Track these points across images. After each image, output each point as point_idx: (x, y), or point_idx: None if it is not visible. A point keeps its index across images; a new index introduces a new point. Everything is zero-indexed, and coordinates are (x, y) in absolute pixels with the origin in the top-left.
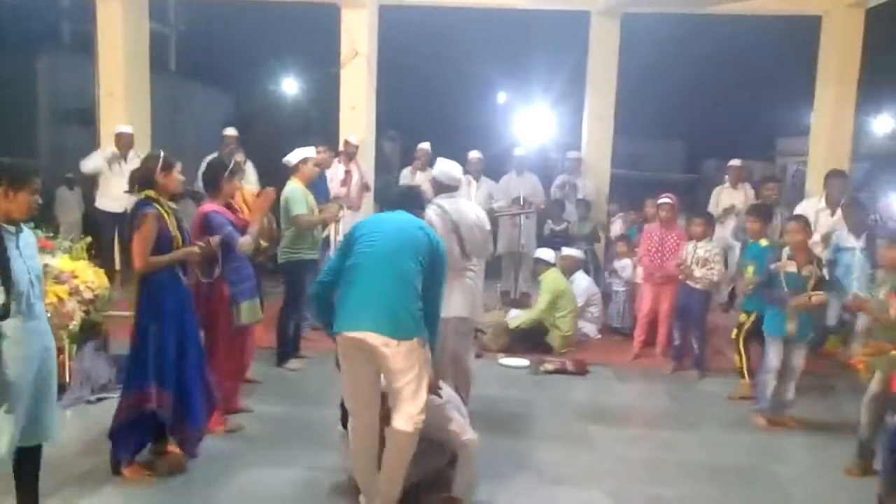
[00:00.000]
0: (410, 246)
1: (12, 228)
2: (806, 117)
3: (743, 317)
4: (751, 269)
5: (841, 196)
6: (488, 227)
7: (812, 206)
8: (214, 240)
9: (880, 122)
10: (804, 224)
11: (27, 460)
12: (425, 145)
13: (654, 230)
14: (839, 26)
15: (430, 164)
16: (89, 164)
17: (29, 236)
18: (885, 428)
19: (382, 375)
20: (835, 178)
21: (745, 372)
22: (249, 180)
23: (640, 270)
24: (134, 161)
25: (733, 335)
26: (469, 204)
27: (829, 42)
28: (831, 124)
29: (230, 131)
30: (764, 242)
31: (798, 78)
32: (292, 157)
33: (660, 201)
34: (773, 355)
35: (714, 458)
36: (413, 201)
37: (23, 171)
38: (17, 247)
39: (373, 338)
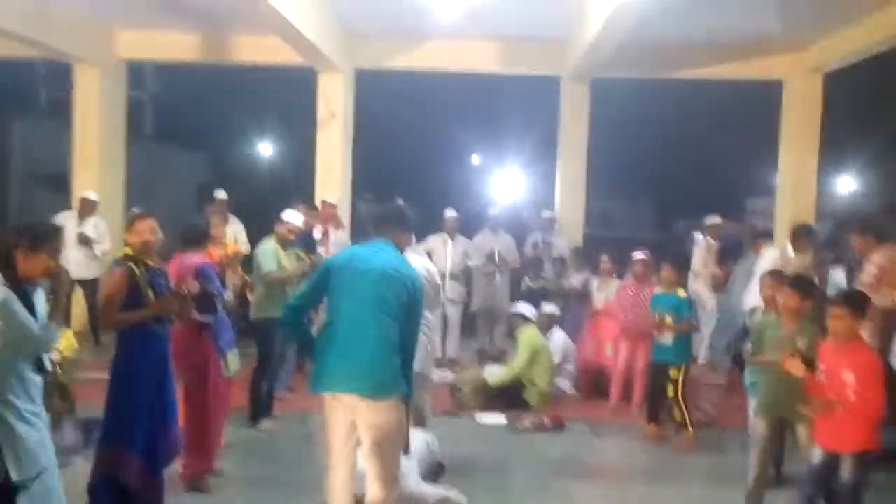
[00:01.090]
0: (390, 298)
1: (31, 287)
2: (772, 178)
3: (673, 371)
4: (669, 318)
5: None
6: (437, 279)
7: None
8: (193, 284)
9: (842, 182)
10: (777, 279)
11: None
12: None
13: (628, 286)
14: (799, 91)
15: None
16: None
17: (41, 297)
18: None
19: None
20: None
21: (689, 423)
22: (238, 240)
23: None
24: (90, 227)
25: (671, 392)
26: (419, 258)
27: (790, 106)
28: (795, 184)
29: (221, 194)
30: (681, 293)
31: (764, 139)
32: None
33: (634, 258)
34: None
35: None
36: (399, 220)
37: (43, 231)
38: (34, 307)
39: (353, 398)
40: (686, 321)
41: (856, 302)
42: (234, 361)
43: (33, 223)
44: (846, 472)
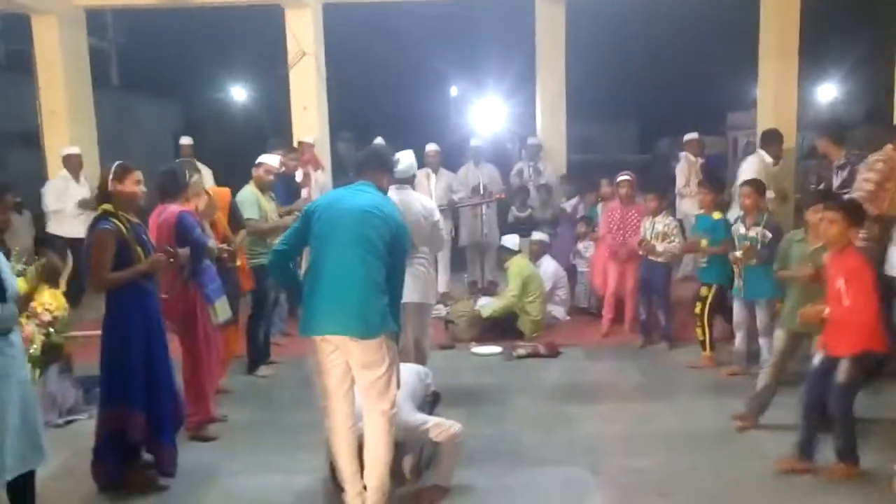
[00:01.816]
0: (373, 237)
1: None
2: (753, 91)
3: (704, 290)
4: (704, 241)
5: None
6: (436, 216)
7: (757, 160)
8: (184, 252)
9: (823, 91)
10: (755, 187)
11: (21, 490)
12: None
13: (614, 208)
14: (777, 1)
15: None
16: (51, 200)
17: (5, 262)
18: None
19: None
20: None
21: (708, 345)
22: (206, 183)
23: (597, 249)
24: (84, 185)
25: (697, 309)
26: (415, 195)
27: (768, 16)
28: (775, 97)
29: (186, 140)
30: (717, 215)
31: (743, 52)
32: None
33: (618, 179)
34: (736, 312)
35: (688, 426)
36: (379, 163)
37: None
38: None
39: (342, 339)
40: (721, 243)
41: (850, 208)
42: (224, 310)
43: None
44: (841, 373)
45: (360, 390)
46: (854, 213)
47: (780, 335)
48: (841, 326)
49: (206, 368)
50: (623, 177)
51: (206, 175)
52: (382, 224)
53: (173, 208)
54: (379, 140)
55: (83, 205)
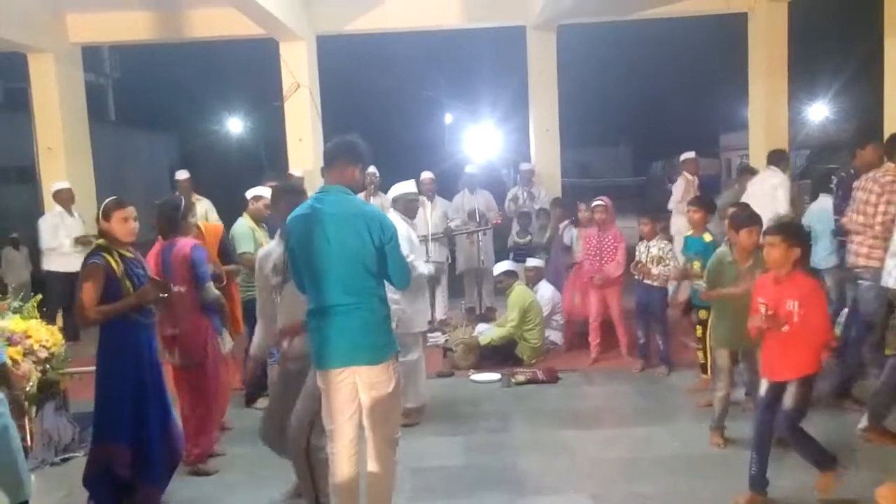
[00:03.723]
0: (356, 252)
1: None
2: (744, 112)
3: (703, 313)
4: (696, 264)
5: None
6: (417, 243)
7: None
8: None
9: (814, 111)
10: (742, 209)
11: None
12: (372, 169)
13: (591, 234)
14: (764, 21)
15: (381, 187)
16: (48, 238)
17: None
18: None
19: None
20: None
21: (708, 368)
22: (209, 218)
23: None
24: (78, 219)
25: (699, 333)
26: (399, 224)
27: (756, 37)
28: (766, 116)
29: (182, 174)
30: (707, 237)
31: (734, 74)
32: (248, 194)
33: (594, 204)
34: None
35: (689, 450)
36: (350, 154)
37: None
38: None
39: (351, 370)
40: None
41: (790, 230)
42: (226, 342)
43: None
44: (789, 397)
45: (364, 412)
46: (794, 235)
47: (720, 355)
48: (787, 349)
49: (211, 402)
50: (598, 202)
51: (208, 207)
52: (368, 235)
53: (185, 241)
54: (372, 169)
55: (80, 241)
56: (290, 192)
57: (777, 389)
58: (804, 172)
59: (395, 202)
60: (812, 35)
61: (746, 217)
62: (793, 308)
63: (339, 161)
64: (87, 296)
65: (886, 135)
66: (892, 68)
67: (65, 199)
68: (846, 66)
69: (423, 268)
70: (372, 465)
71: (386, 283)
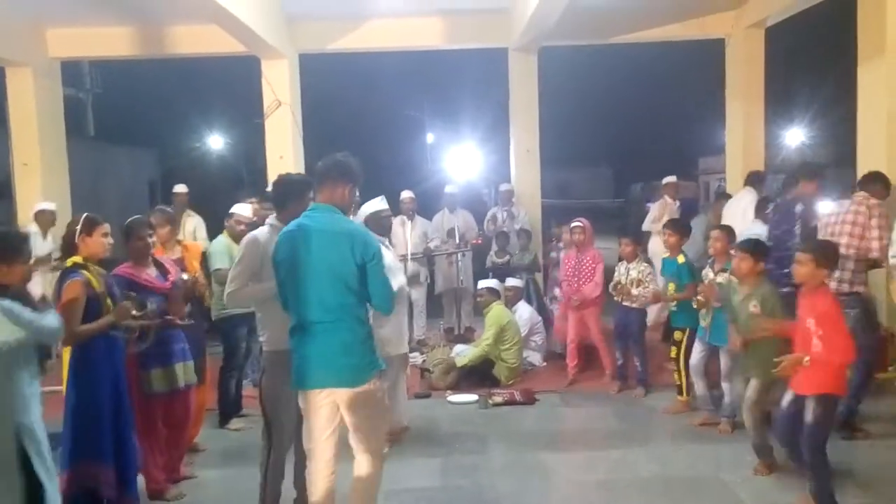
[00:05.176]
0: (337, 268)
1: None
2: (723, 136)
3: (678, 334)
4: (672, 285)
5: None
6: (397, 264)
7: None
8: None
9: (791, 135)
10: (726, 232)
11: None
12: (408, 194)
13: (570, 256)
14: (741, 47)
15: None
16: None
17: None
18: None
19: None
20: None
21: (684, 389)
22: (197, 236)
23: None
24: (50, 243)
25: (673, 354)
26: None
27: (733, 63)
28: (744, 140)
29: (180, 188)
30: (681, 259)
31: (712, 98)
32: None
33: (572, 225)
34: (695, 354)
35: (665, 471)
36: (338, 173)
37: (17, 242)
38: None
39: (333, 392)
40: (687, 287)
41: (822, 250)
42: (163, 380)
43: (3, 234)
44: (809, 413)
45: (349, 429)
46: (824, 254)
47: (753, 385)
48: (810, 364)
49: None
50: (576, 223)
51: (197, 224)
52: (351, 257)
53: (123, 267)
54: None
55: (38, 262)
56: (292, 182)
57: (798, 403)
58: (780, 195)
59: (367, 221)
60: (789, 61)
61: (740, 242)
62: (811, 326)
63: (329, 180)
64: (71, 314)
65: (859, 159)
66: (864, 94)
67: (45, 220)
68: (822, 92)
69: (400, 278)
70: (356, 482)
71: (368, 308)
